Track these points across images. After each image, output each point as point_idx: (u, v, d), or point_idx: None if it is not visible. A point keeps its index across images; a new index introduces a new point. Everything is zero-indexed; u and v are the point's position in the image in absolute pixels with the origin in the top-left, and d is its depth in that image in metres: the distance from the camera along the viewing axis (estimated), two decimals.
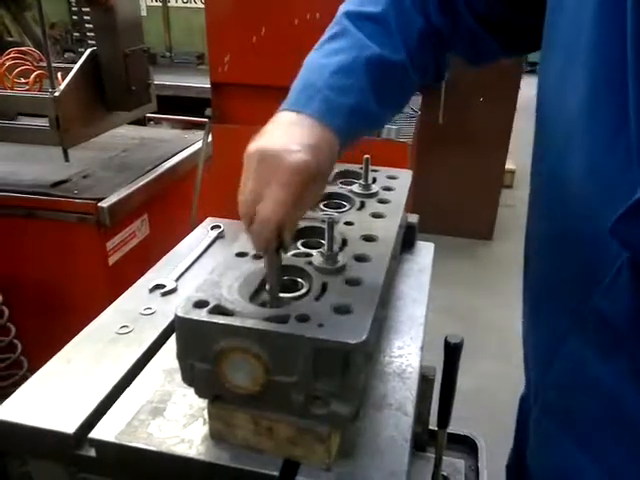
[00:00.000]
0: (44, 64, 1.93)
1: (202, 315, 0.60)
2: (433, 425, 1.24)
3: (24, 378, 1.35)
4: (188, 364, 0.62)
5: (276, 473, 0.61)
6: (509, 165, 4.25)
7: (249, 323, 0.58)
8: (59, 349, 0.82)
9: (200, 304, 0.61)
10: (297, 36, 1.30)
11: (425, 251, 1.12)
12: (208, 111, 1.45)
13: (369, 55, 0.69)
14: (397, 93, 0.77)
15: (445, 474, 1.26)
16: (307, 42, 1.33)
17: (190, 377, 0.62)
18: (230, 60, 1.34)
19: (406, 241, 1.09)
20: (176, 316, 0.60)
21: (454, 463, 1.34)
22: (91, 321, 0.89)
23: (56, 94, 1.48)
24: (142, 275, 1.03)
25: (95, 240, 1.46)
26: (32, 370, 1.35)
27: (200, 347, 0.60)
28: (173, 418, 0.68)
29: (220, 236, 1.14)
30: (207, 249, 1.10)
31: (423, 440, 1.32)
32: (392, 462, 0.62)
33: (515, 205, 4.33)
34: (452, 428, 1.21)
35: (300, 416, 0.60)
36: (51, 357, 0.81)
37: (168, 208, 1.77)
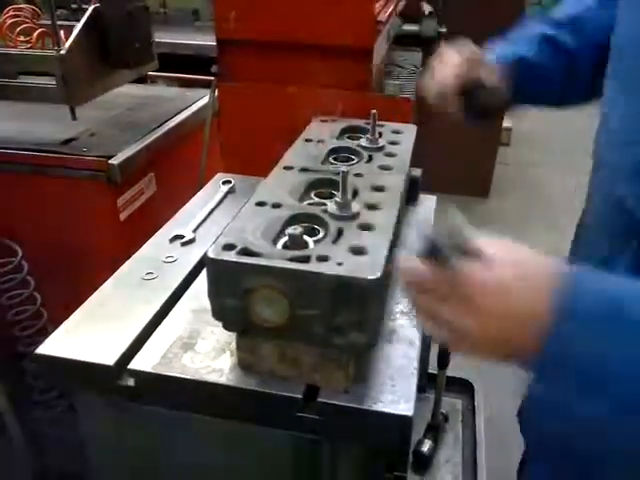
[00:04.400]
0: (43, 22, 1.92)
1: (231, 256, 0.65)
2: (432, 369, 1.33)
3: (45, 328, 1.43)
4: (219, 301, 0.68)
5: (300, 396, 0.68)
6: (506, 123, 4.27)
7: (275, 263, 0.64)
8: (75, 301, 0.87)
9: (229, 247, 0.67)
10: None
11: (428, 203, 1.18)
12: (214, 68, 1.47)
13: None
14: None
15: (444, 412, 1.35)
16: None
17: (220, 313, 0.69)
18: (236, 16, 1.35)
19: (410, 194, 1.14)
20: (208, 257, 0.66)
21: (453, 403, 1.44)
22: (105, 274, 0.94)
23: (62, 52, 1.49)
24: (152, 231, 1.08)
25: (106, 196, 1.50)
26: (51, 320, 1.43)
27: (229, 285, 0.66)
28: (203, 351, 0.75)
29: (231, 191, 1.19)
30: (220, 203, 1.15)
31: (423, 383, 1.41)
32: (403, 386, 0.70)
33: (511, 163, 4.38)
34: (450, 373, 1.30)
35: (321, 345, 0.67)
36: (68, 308, 0.86)
37: (174, 166, 1.81)
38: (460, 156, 3.84)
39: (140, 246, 1.02)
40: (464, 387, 1.49)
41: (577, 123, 5.24)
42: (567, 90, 1.01)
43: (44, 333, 1.43)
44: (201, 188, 1.28)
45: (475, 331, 0.53)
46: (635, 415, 0.46)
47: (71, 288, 1.47)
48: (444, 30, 3.20)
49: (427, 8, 3.22)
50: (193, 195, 1.23)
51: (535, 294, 0.51)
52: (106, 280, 0.92)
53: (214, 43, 1.51)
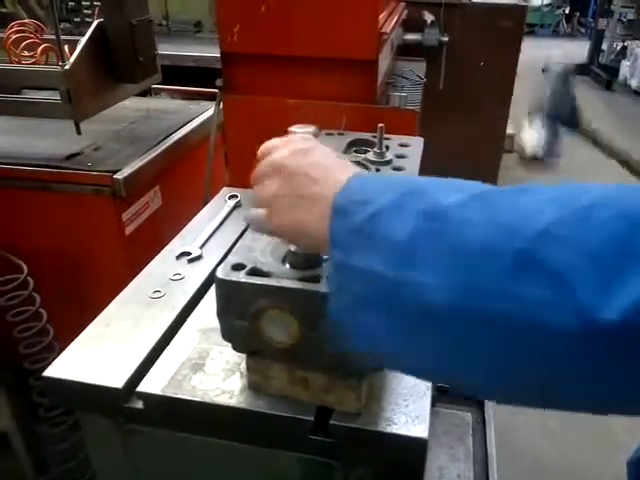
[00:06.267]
0: (47, 36, 1.93)
1: (241, 276, 0.64)
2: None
3: (50, 345, 1.42)
4: (228, 322, 0.67)
5: (311, 418, 0.67)
6: (509, 130, 4.26)
7: (285, 283, 0.63)
8: (81, 317, 0.86)
9: (238, 267, 0.66)
10: (306, 4, 1.32)
11: None
12: (219, 81, 1.47)
13: None
14: None
15: None
16: (315, 10, 1.35)
17: (230, 334, 0.68)
18: (240, 30, 1.35)
19: None
20: (217, 278, 0.65)
21: (463, 416, 1.42)
22: (111, 289, 0.93)
23: (67, 67, 1.49)
24: (157, 245, 1.07)
25: (111, 211, 1.49)
26: (57, 337, 1.42)
27: (239, 306, 0.65)
28: (213, 372, 0.74)
29: (237, 205, 1.19)
30: (226, 218, 1.14)
31: (433, 396, 1.39)
32: (416, 407, 0.68)
33: (515, 169, 4.37)
34: None
35: (333, 367, 0.65)
36: (74, 324, 0.85)
37: (179, 179, 1.80)
38: (464, 163, 3.83)
39: (146, 260, 1.02)
40: (473, 400, 1.47)
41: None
42: None
43: (50, 350, 1.43)
44: (207, 201, 1.28)
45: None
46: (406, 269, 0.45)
47: (77, 304, 1.47)
48: (446, 39, 3.22)
49: (429, 17, 3.23)
50: (198, 208, 1.22)
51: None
52: (112, 295, 0.91)
53: (217, 55, 1.50)
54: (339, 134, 1.12)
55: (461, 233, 0.43)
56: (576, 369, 0.40)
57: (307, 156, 0.58)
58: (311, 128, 0.70)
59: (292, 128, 0.70)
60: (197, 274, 0.95)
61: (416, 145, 1.06)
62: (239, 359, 0.75)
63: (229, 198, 1.20)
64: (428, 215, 0.45)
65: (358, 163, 0.99)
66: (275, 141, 0.64)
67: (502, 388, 0.46)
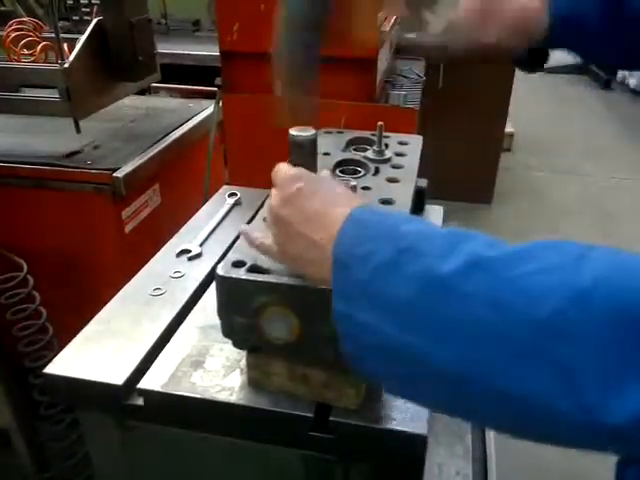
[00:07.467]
0: (46, 34, 1.93)
1: (241, 274, 0.65)
2: None
3: (50, 343, 1.42)
4: (228, 319, 0.67)
5: (311, 415, 0.67)
6: (508, 128, 4.26)
7: (285, 280, 0.64)
8: (81, 315, 0.87)
9: (238, 264, 0.66)
10: None
11: (434, 214, 1.17)
12: (218, 80, 1.47)
13: None
14: None
15: None
16: None
17: (230, 331, 0.68)
18: (239, 29, 1.35)
19: (416, 205, 1.13)
20: (217, 275, 0.65)
21: None
22: (111, 287, 0.93)
23: (66, 65, 1.49)
24: (157, 243, 1.08)
25: (111, 209, 1.50)
26: (57, 335, 1.42)
27: (239, 303, 0.65)
28: (213, 369, 0.74)
29: (237, 203, 1.19)
30: (226, 216, 1.14)
31: None
32: (414, 406, 0.68)
33: (514, 169, 4.37)
34: None
35: (332, 363, 0.66)
36: (74, 322, 0.85)
37: (178, 177, 1.80)
38: (462, 163, 3.84)
39: (146, 258, 1.02)
40: None
41: (577, 126, 5.25)
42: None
43: (50, 348, 1.44)
44: (206, 199, 1.28)
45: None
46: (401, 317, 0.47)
47: (77, 302, 1.47)
48: None
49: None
50: (198, 206, 1.22)
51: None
52: (112, 293, 0.91)
53: (216, 53, 1.51)
54: (338, 132, 1.12)
55: (464, 309, 0.44)
56: (577, 445, 0.43)
57: (296, 203, 0.59)
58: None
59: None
60: (197, 272, 0.95)
61: (415, 143, 1.07)
62: (239, 356, 0.75)
63: (228, 196, 1.20)
64: (428, 283, 0.46)
65: (358, 161, 0.99)
66: (275, 176, 0.65)
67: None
